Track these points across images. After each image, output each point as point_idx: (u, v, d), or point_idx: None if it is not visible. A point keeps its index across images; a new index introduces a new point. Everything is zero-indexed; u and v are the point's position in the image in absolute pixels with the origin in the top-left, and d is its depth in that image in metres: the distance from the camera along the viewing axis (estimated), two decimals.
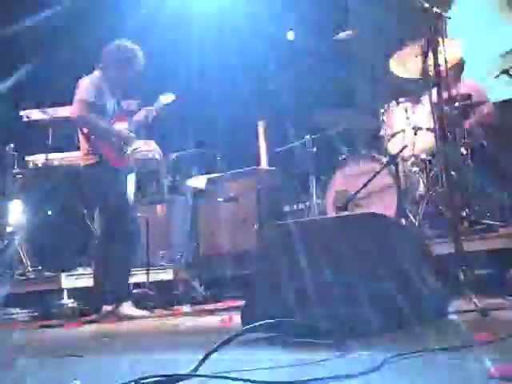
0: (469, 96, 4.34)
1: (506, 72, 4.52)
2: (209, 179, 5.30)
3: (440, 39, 3.23)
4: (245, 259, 4.80)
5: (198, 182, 5.38)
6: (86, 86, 4.30)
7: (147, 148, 5.40)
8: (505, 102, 5.14)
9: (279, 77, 4.74)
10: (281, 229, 2.74)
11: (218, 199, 5.02)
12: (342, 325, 2.05)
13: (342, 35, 4.64)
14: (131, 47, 4.41)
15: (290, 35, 9.41)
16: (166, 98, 4.62)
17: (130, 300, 4.29)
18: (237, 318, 2.54)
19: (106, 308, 4.17)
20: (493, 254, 3.93)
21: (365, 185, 4.32)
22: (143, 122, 4.60)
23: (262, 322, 2.25)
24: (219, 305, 5.14)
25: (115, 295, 4.20)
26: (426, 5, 3.27)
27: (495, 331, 1.92)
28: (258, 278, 2.60)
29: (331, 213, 4.57)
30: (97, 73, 4.41)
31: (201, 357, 1.74)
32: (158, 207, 6.23)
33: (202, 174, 5.63)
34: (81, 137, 4.36)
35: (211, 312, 4.50)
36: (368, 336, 2.13)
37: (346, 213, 4.39)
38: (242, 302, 3.03)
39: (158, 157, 5.51)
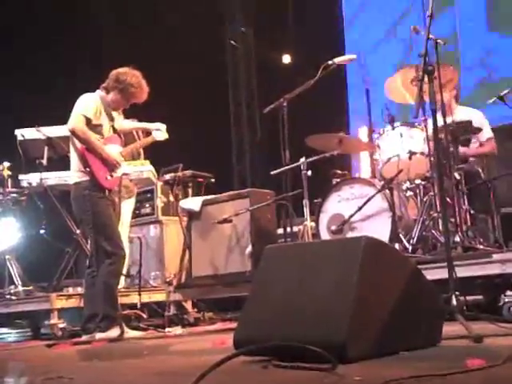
0: (468, 122, 4.36)
1: (500, 98, 4.57)
2: (203, 201, 5.30)
3: (435, 65, 3.26)
4: (238, 281, 4.78)
5: (193, 203, 5.37)
6: (86, 102, 4.32)
7: (141, 169, 5.41)
8: (499, 128, 5.20)
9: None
10: (275, 251, 2.74)
11: (212, 221, 5.01)
12: (332, 350, 2.03)
13: (339, 60, 4.66)
14: (140, 78, 4.46)
15: (286, 58, 9.53)
16: (160, 136, 4.71)
17: (121, 321, 4.25)
18: (229, 340, 2.52)
19: (97, 329, 4.13)
20: (486, 279, 3.93)
21: (359, 208, 4.33)
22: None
23: (255, 346, 2.24)
24: (211, 327, 5.11)
25: (106, 316, 4.16)
26: (422, 32, 3.32)
27: (489, 358, 1.90)
28: (252, 301, 2.58)
29: (325, 236, 4.56)
30: (99, 92, 4.44)
31: (193, 379, 1.72)
32: (152, 228, 6.22)
33: (197, 196, 5.63)
34: (73, 154, 4.36)
35: (203, 334, 4.47)
36: (361, 361, 2.11)
37: (339, 236, 4.39)
38: (234, 325, 3.01)
39: (152, 177, 5.50)
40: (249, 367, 2.25)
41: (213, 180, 5.93)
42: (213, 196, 5.35)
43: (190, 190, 5.88)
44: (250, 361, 2.31)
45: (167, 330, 4.63)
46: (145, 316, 5.21)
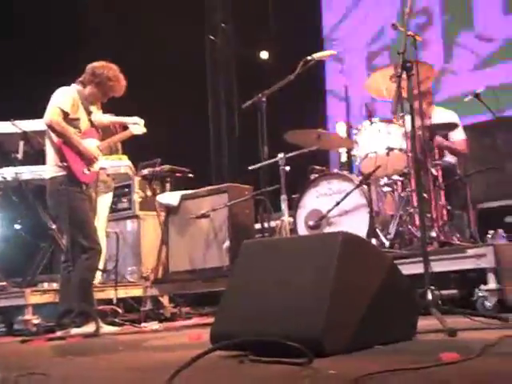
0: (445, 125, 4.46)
1: (476, 96, 4.63)
2: (181, 196, 5.28)
3: (414, 62, 3.27)
4: (215, 276, 4.77)
5: (171, 198, 5.35)
6: (63, 95, 4.28)
7: (119, 163, 5.36)
8: (475, 125, 5.26)
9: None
10: (252, 247, 2.73)
11: (190, 216, 5.00)
12: (309, 344, 2.03)
13: (318, 55, 4.65)
14: (117, 72, 4.44)
15: (264, 55, 9.52)
16: (138, 130, 4.70)
17: (96, 317, 4.22)
18: (206, 335, 2.51)
19: (72, 325, 4.09)
20: (460, 274, 3.97)
21: (337, 204, 4.34)
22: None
23: (231, 340, 2.24)
24: (188, 322, 5.10)
25: (81, 312, 4.13)
26: (402, 28, 3.34)
27: (462, 351, 1.92)
28: (229, 295, 2.57)
29: (303, 231, 4.57)
30: (75, 86, 4.40)
31: (169, 374, 1.71)
32: (129, 223, 6.18)
33: (175, 191, 5.61)
34: (49, 148, 4.31)
35: (180, 329, 4.45)
36: (337, 355, 2.12)
37: (317, 232, 4.41)
38: (211, 319, 3.01)
39: (130, 172, 5.46)
40: (225, 362, 2.24)
41: (191, 175, 5.91)
42: (191, 191, 5.33)
43: (167, 185, 5.85)
44: (227, 356, 2.30)
45: (143, 325, 4.61)
46: (121, 311, 5.18)
